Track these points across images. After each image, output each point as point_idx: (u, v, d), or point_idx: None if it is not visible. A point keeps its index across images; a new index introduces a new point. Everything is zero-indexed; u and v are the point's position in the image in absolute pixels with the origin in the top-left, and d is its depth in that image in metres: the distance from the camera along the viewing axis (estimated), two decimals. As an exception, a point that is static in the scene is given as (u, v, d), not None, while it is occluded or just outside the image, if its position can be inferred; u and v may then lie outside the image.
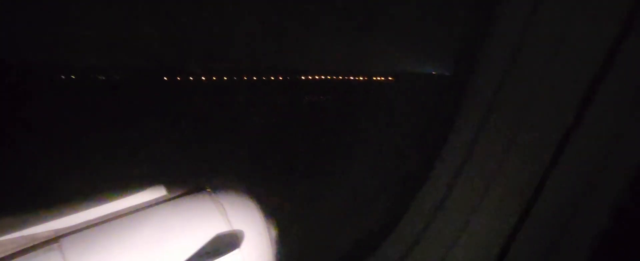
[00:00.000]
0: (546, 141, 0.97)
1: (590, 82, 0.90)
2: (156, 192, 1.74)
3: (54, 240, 1.41)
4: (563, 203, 0.97)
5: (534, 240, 1.03)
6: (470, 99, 1.07)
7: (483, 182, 1.07)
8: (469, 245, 1.13)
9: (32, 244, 1.36)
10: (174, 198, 1.75)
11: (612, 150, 0.92)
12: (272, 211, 2.01)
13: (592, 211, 0.93)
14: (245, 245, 1.71)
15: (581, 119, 0.92)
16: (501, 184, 1.05)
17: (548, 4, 0.91)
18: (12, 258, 1.25)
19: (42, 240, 1.40)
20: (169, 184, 1.81)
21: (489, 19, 1.01)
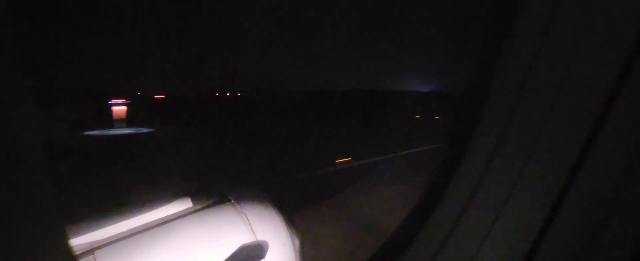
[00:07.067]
0: (571, 142, 0.93)
1: (614, 78, 0.86)
2: (183, 204, 1.79)
3: (89, 252, 1.47)
4: (590, 206, 0.92)
5: (560, 245, 0.98)
6: (490, 105, 1.05)
7: (506, 186, 1.04)
8: (494, 250, 1.09)
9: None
10: (199, 209, 1.79)
11: None
12: (295, 220, 2.01)
13: (622, 213, 0.88)
14: (269, 255, 1.72)
15: (607, 117, 0.88)
16: (525, 187, 1.02)
17: (566, 7, 0.89)
18: None
19: (78, 253, 1.46)
20: (194, 196, 1.86)
21: (504, 30, 0.99)
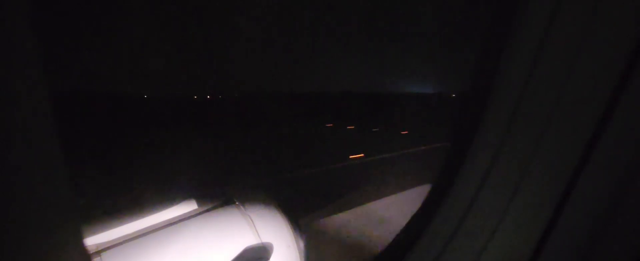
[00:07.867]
0: (574, 142, 0.93)
1: (618, 78, 0.86)
2: (188, 206, 1.80)
3: (95, 253, 1.49)
4: (594, 208, 0.92)
5: (565, 245, 0.98)
6: (492, 106, 1.05)
7: (509, 186, 1.04)
8: (497, 253, 1.09)
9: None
10: (204, 211, 1.80)
11: None
12: (300, 222, 2.01)
13: (626, 214, 0.88)
14: (274, 257, 1.73)
15: (610, 117, 0.88)
16: (528, 188, 1.01)
17: (568, 6, 0.89)
18: None
19: None
20: (199, 198, 1.87)
21: (505, 30, 0.99)
